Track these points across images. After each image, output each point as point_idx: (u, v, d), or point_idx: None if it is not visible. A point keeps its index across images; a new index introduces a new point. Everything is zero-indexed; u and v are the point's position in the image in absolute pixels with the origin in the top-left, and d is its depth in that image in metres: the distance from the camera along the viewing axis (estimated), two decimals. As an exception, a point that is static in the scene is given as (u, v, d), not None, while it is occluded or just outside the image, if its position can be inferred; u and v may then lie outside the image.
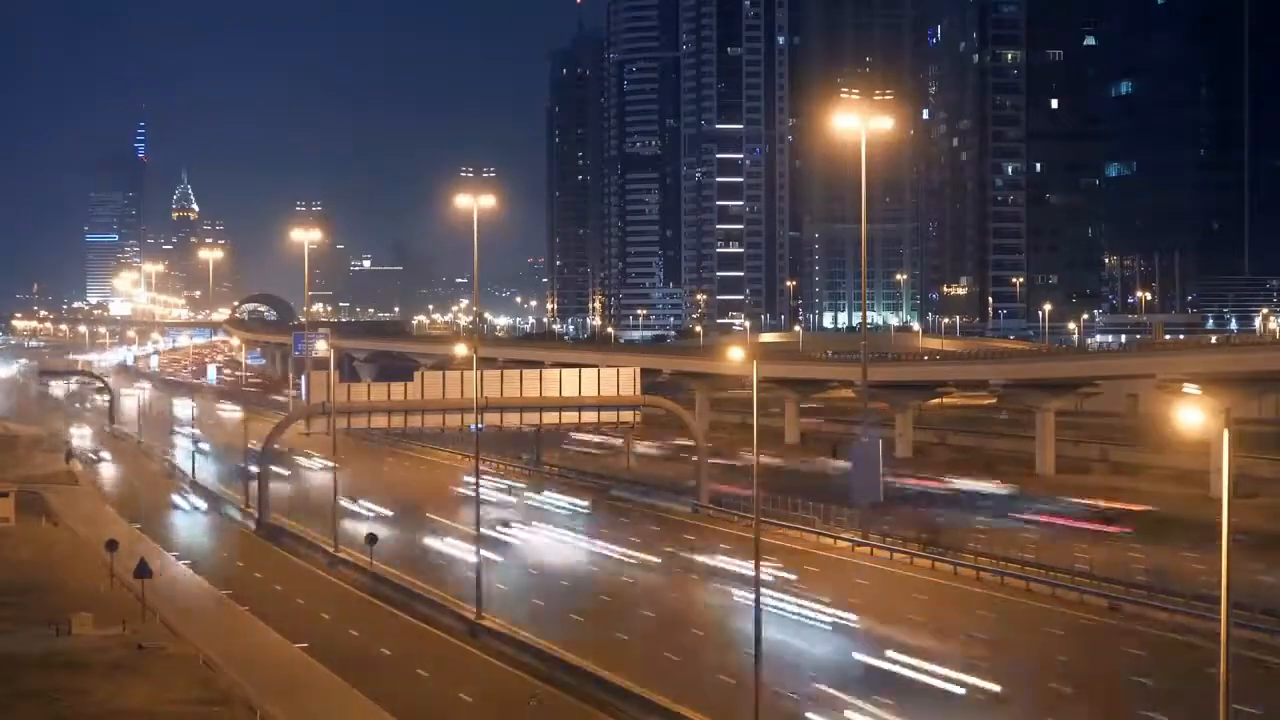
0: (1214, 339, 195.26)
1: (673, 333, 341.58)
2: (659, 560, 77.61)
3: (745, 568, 62.21)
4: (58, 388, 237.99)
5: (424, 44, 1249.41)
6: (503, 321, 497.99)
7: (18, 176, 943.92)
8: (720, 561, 75.04)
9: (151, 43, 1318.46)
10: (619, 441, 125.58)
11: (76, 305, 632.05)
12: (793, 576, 69.05)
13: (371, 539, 76.12)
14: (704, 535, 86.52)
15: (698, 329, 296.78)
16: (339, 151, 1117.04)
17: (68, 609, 62.46)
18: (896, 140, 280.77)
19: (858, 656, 54.92)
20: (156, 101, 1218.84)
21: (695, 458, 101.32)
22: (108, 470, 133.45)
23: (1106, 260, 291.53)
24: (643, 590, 69.88)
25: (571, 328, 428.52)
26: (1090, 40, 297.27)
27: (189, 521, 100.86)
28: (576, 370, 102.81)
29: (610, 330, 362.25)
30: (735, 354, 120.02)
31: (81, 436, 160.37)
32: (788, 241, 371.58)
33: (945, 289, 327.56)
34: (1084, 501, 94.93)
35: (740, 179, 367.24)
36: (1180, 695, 48.02)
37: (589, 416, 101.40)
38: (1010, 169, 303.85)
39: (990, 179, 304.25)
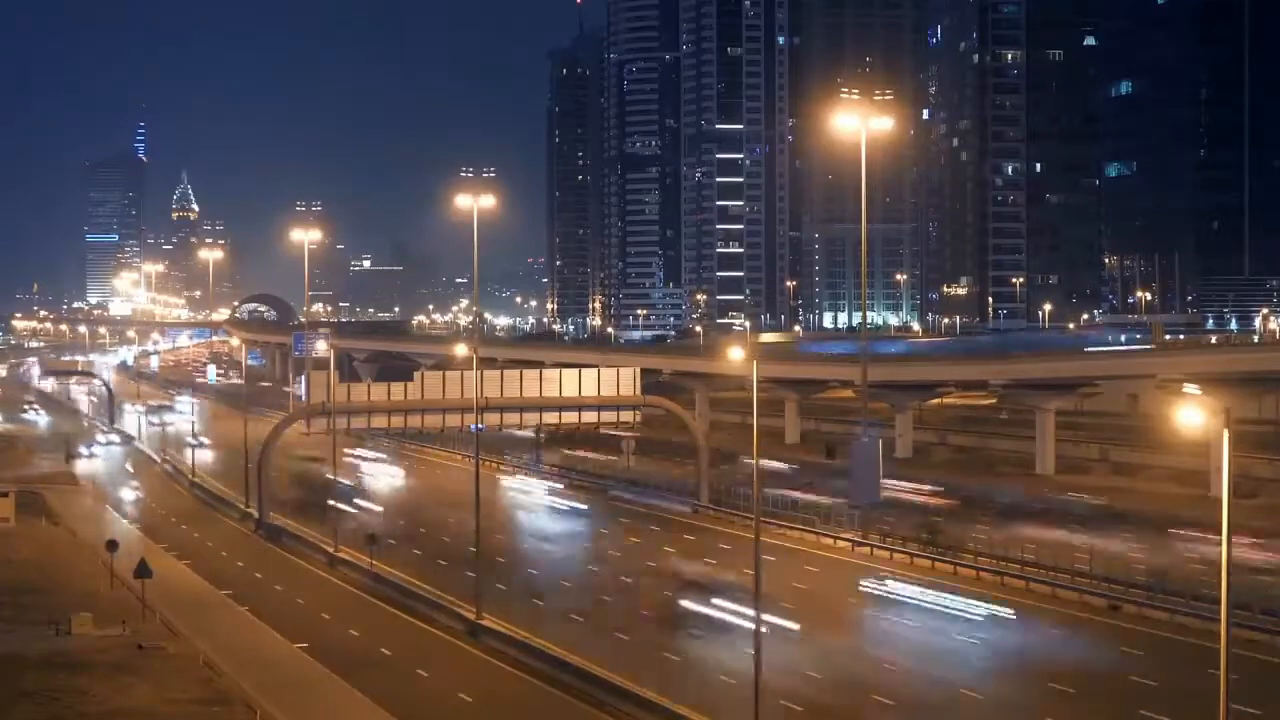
0: (1214, 339, 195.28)
1: (673, 333, 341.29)
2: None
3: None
4: (57, 387, 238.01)
5: (424, 44, 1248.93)
6: (503, 321, 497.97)
7: (18, 176, 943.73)
8: None
9: (151, 43, 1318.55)
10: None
11: (76, 305, 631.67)
12: None
13: (371, 539, 76.13)
14: (704, 535, 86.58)
15: (698, 329, 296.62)
16: (339, 151, 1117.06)
17: (68, 609, 62.48)
18: (896, 140, 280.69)
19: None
20: (156, 101, 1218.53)
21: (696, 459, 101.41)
22: (107, 469, 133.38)
23: (1106, 260, 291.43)
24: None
25: (571, 328, 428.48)
26: (1090, 40, 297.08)
27: (189, 521, 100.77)
28: (576, 370, 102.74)
29: (610, 330, 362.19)
30: (735, 354, 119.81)
31: (82, 436, 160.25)
32: (788, 241, 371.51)
33: (945, 289, 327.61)
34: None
35: (740, 179, 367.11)
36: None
37: (589, 416, 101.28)
38: (1010, 169, 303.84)
39: (990, 179, 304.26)
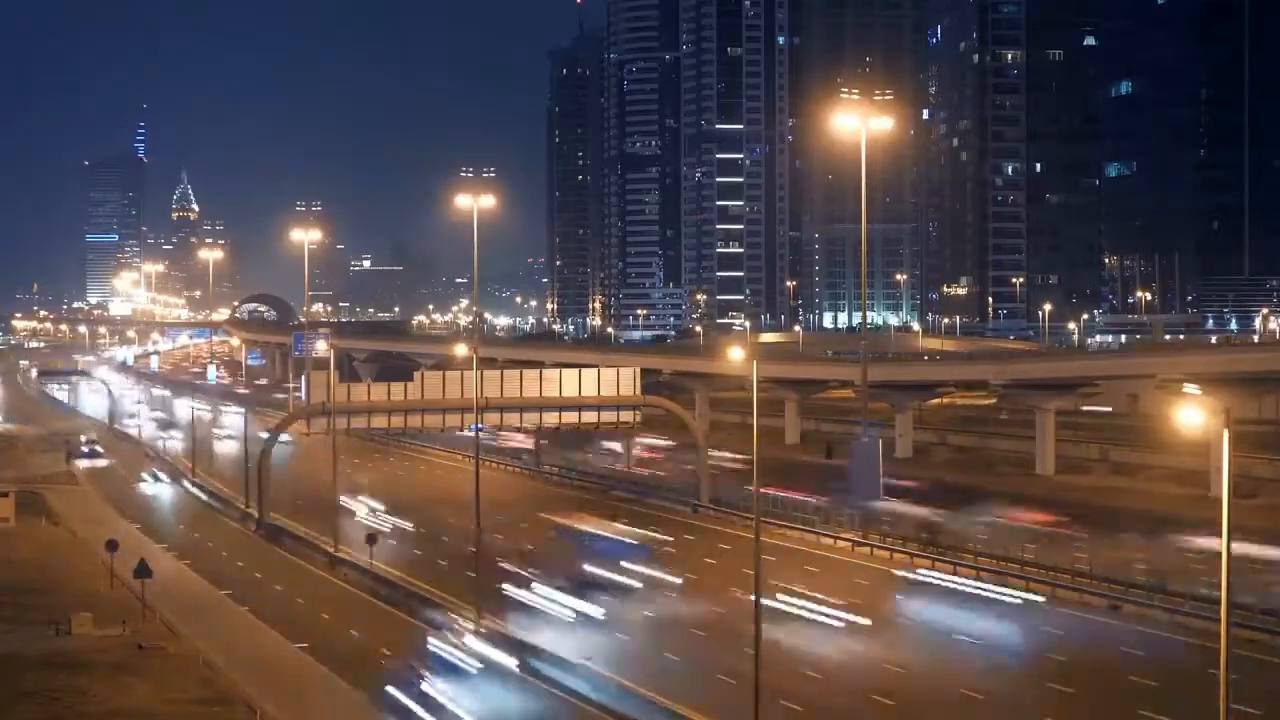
0: (1214, 339, 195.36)
1: (673, 333, 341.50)
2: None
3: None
4: (57, 387, 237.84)
5: (424, 44, 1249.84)
6: (503, 321, 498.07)
7: (18, 176, 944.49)
8: None
9: (151, 43, 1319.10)
10: None
11: (76, 305, 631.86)
12: None
13: (371, 539, 76.12)
14: (703, 535, 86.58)
15: (698, 329, 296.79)
16: (339, 151, 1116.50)
17: (68, 609, 62.46)
18: (896, 140, 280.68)
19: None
20: (156, 101, 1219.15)
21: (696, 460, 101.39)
22: (107, 469, 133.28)
23: (1106, 260, 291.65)
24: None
25: (571, 328, 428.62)
26: (1090, 40, 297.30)
27: (188, 521, 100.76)
28: (576, 370, 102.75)
29: (610, 330, 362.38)
30: (735, 354, 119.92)
31: (84, 436, 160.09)
32: (788, 241, 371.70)
33: (945, 289, 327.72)
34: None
35: (740, 179, 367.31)
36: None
37: (589, 417, 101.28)
38: (1010, 169, 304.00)
39: (990, 179, 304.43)
